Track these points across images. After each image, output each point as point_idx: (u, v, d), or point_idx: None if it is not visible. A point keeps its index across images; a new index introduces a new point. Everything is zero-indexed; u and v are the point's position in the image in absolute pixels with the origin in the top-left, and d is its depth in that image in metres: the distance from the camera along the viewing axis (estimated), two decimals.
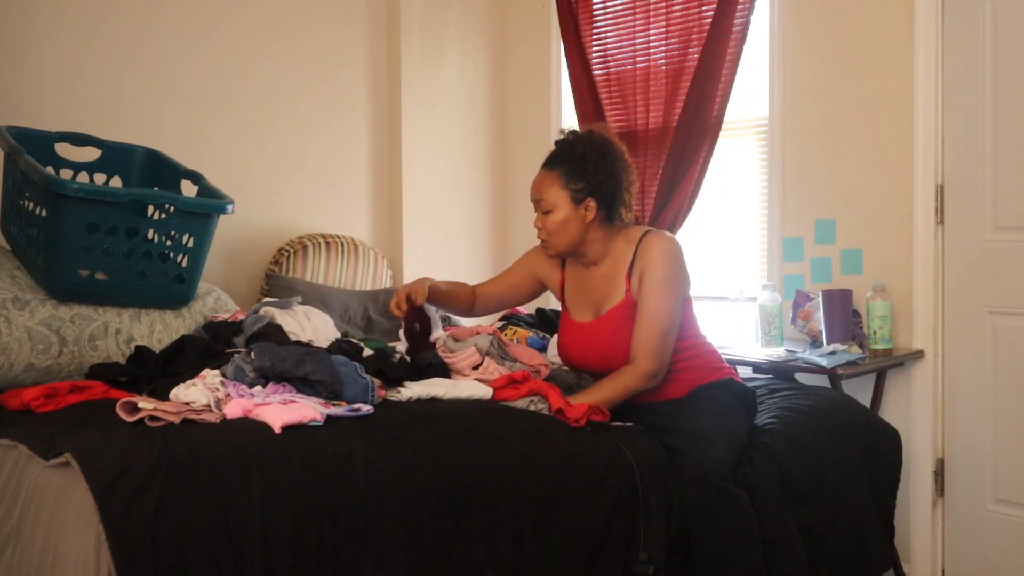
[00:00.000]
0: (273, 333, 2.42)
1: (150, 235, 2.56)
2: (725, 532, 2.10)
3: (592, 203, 2.36)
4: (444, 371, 2.38)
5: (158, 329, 2.60)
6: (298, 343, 2.37)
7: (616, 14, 3.79)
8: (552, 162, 2.42)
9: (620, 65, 3.77)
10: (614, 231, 2.42)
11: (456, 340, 2.58)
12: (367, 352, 2.44)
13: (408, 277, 3.94)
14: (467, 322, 3.31)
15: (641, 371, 2.28)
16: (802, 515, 2.31)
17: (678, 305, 2.34)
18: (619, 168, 2.39)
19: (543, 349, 2.91)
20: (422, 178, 4.03)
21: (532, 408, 2.21)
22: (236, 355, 2.16)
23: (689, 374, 2.39)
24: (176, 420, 1.88)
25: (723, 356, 2.54)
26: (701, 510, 2.11)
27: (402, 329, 2.60)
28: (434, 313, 2.64)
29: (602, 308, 2.42)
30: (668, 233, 2.47)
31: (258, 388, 2.07)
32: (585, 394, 2.29)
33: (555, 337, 2.96)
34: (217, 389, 2.01)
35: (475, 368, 2.43)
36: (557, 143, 2.46)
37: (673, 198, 3.53)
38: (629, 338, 2.34)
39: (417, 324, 2.48)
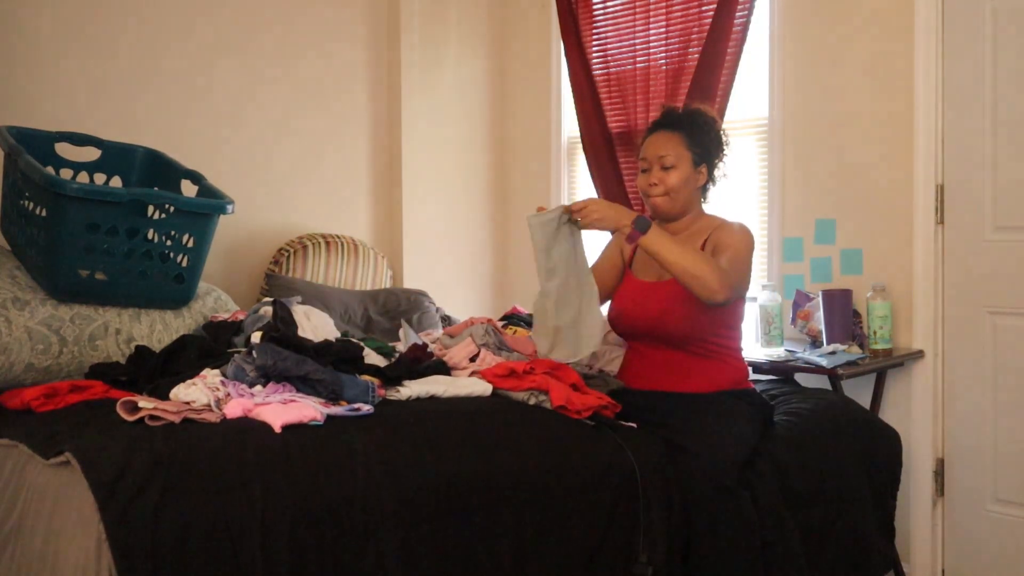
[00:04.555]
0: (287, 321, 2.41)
1: (150, 235, 2.56)
2: (726, 533, 2.10)
3: (704, 169, 2.49)
4: (443, 369, 2.38)
5: (158, 329, 2.60)
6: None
7: (616, 14, 3.79)
8: (674, 125, 2.50)
9: (620, 65, 3.77)
10: (702, 210, 2.54)
11: (451, 337, 2.59)
12: (367, 352, 2.44)
13: (408, 277, 3.94)
14: (462, 319, 3.32)
15: (723, 276, 2.23)
16: (802, 517, 2.31)
17: (750, 267, 2.41)
18: (726, 148, 2.55)
19: None
20: (422, 178, 4.03)
21: (533, 401, 2.21)
22: (236, 355, 2.16)
23: (725, 374, 2.43)
24: (176, 419, 1.89)
25: None
26: (704, 509, 2.11)
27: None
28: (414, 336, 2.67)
29: (665, 275, 2.43)
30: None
31: (258, 388, 2.07)
32: (663, 234, 2.26)
33: None
34: (217, 389, 2.02)
35: (472, 360, 2.43)
36: (674, 110, 2.56)
37: None
38: (681, 312, 2.37)
39: None
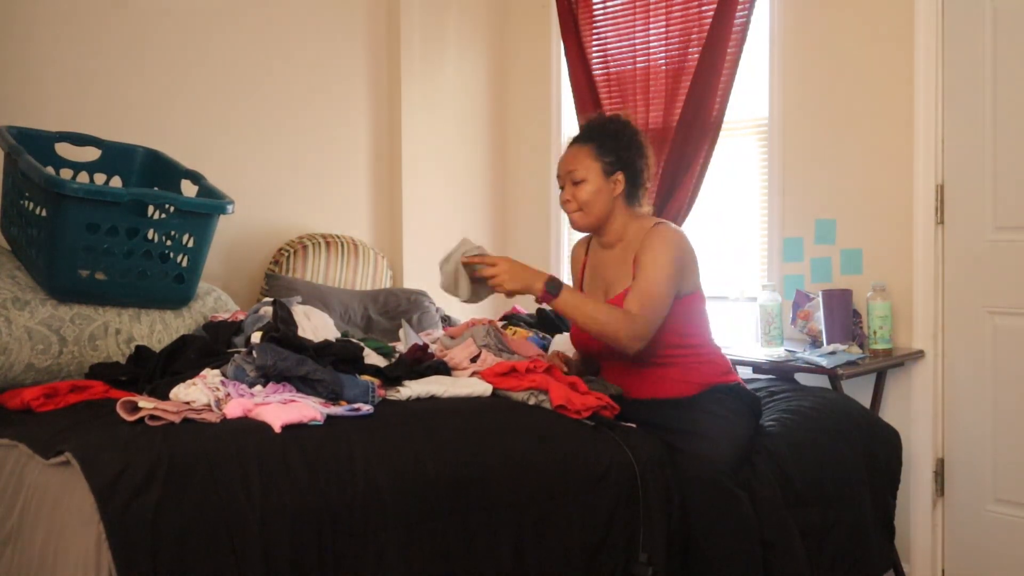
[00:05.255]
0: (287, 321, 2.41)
1: (150, 235, 2.56)
2: (725, 533, 2.10)
3: (621, 177, 2.44)
4: (444, 369, 2.38)
5: (158, 329, 2.60)
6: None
7: (616, 14, 3.79)
8: (584, 137, 2.49)
9: (620, 65, 3.77)
10: (633, 215, 2.48)
11: (452, 338, 2.58)
12: (367, 352, 2.44)
13: (408, 277, 3.94)
14: (463, 318, 3.32)
15: (631, 328, 2.26)
16: (802, 517, 2.31)
17: (670, 287, 2.33)
18: (645, 149, 2.49)
19: (544, 349, 2.91)
20: (422, 178, 4.03)
21: (532, 401, 2.21)
22: (237, 354, 2.16)
23: (699, 374, 2.39)
24: (176, 419, 1.88)
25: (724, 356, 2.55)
26: (702, 510, 2.11)
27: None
28: (415, 336, 2.67)
29: (610, 292, 2.44)
30: (676, 226, 2.48)
31: (258, 388, 2.06)
32: (575, 295, 2.31)
33: (556, 337, 2.96)
34: (217, 388, 2.01)
35: (473, 360, 2.43)
36: (588, 121, 2.56)
37: (673, 198, 3.53)
38: None
39: None
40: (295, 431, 1.87)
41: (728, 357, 2.57)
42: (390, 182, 4.00)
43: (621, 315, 2.27)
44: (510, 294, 2.32)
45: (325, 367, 2.11)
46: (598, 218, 2.44)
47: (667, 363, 2.39)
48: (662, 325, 2.34)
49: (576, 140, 2.50)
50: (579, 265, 2.63)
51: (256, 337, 2.15)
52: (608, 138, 2.44)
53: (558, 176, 2.49)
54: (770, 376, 2.98)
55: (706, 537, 2.11)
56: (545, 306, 2.43)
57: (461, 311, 3.94)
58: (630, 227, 2.46)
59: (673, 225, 2.46)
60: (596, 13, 3.85)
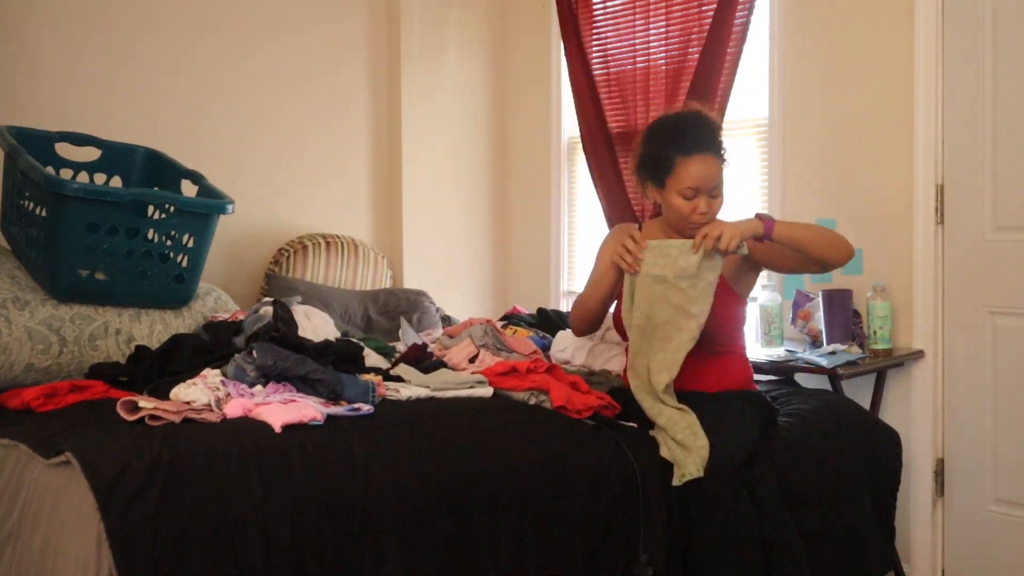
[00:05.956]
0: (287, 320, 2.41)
1: (150, 235, 2.56)
2: (725, 534, 2.10)
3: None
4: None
5: (158, 329, 2.60)
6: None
7: (616, 14, 3.79)
8: (715, 146, 2.36)
9: (620, 65, 3.77)
10: None
11: (451, 337, 2.59)
12: (367, 352, 2.44)
13: (408, 277, 3.94)
14: (462, 319, 3.32)
15: (843, 237, 2.37)
16: (802, 518, 2.31)
17: None
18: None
19: (544, 349, 2.91)
20: (422, 178, 4.03)
21: (533, 401, 2.21)
22: (237, 354, 2.16)
23: (728, 372, 2.43)
24: (176, 419, 1.89)
25: None
26: (702, 510, 2.11)
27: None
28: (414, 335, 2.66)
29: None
30: None
31: (258, 387, 2.07)
32: (785, 222, 2.32)
33: (558, 335, 2.95)
34: (217, 388, 2.02)
35: (471, 361, 2.43)
36: (705, 123, 2.39)
37: None
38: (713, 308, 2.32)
39: None
40: (295, 431, 1.87)
41: None
42: (390, 182, 4.00)
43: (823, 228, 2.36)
44: (739, 249, 2.22)
45: (325, 367, 2.11)
46: None
47: (715, 354, 2.41)
48: (731, 313, 2.40)
49: (708, 149, 2.33)
50: None
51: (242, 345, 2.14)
52: (722, 146, 2.38)
53: (694, 187, 2.31)
54: (770, 376, 2.98)
55: (705, 537, 2.11)
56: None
57: (462, 310, 3.95)
58: None
59: None
60: (596, 13, 3.85)
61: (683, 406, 2.21)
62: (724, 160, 2.38)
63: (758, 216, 2.30)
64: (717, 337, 2.39)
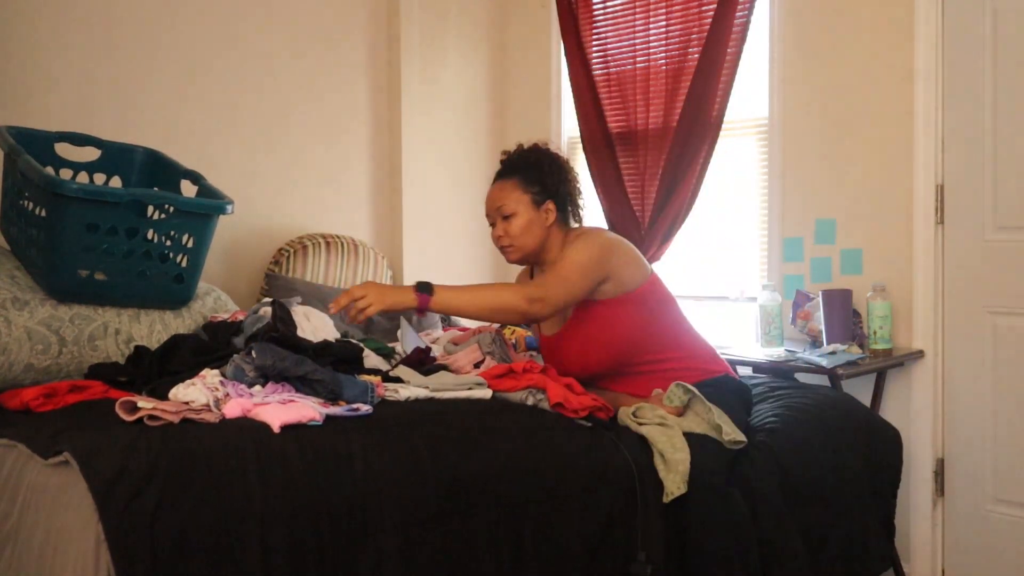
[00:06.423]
0: (286, 320, 2.41)
1: (150, 235, 2.56)
2: (719, 531, 2.10)
3: (551, 205, 2.43)
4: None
5: (158, 329, 2.60)
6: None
7: (616, 14, 3.79)
8: (506, 172, 2.48)
9: (620, 65, 3.77)
10: (570, 236, 2.46)
11: (455, 345, 2.59)
12: (367, 353, 2.44)
13: (408, 277, 3.94)
14: (462, 321, 3.31)
15: (522, 291, 2.28)
16: (802, 516, 2.30)
17: (580, 274, 2.31)
18: (569, 173, 2.50)
19: (538, 350, 2.91)
20: (422, 178, 4.03)
21: (531, 400, 2.22)
22: (236, 355, 2.16)
23: (681, 376, 2.37)
24: (175, 420, 1.89)
25: (722, 356, 2.54)
26: (694, 510, 2.11)
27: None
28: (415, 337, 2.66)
29: (565, 315, 2.43)
30: (599, 227, 2.51)
31: (257, 388, 2.07)
32: (450, 287, 2.26)
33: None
34: (216, 389, 2.02)
35: (476, 366, 2.44)
36: (507, 155, 2.53)
37: (673, 198, 3.53)
38: (596, 352, 2.38)
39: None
40: (294, 431, 1.87)
41: (725, 356, 2.56)
42: (390, 182, 4.00)
43: (507, 285, 2.33)
44: (385, 313, 2.24)
45: (324, 367, 2.11)
46: (533, 249, 2.43)
47: (650, 372, 2.39)
48: (637, 341, 2.36)
49: (499, 175, 2.48)
50: None
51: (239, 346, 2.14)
52: (531, 169, 2.43)
53: (487, 214, 2.47)
54: (770, 375, 2.98)
55: (699, 537, 2.10)
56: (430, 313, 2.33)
57: None
58: (566, 249, 2.43)
59: (594, 226, 2.49)
60: (596, 13, 3.85)
61: (665, 419, 2.21)
62: (530, 181, 2.41)
63: (418, 286, 2.23)
64: (631, 361, 2.38)
